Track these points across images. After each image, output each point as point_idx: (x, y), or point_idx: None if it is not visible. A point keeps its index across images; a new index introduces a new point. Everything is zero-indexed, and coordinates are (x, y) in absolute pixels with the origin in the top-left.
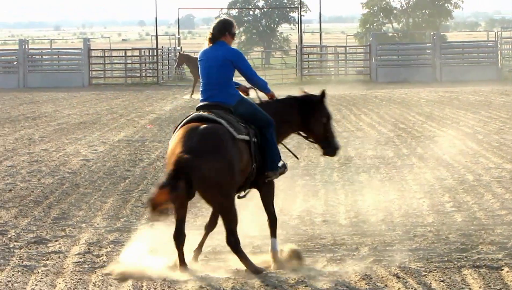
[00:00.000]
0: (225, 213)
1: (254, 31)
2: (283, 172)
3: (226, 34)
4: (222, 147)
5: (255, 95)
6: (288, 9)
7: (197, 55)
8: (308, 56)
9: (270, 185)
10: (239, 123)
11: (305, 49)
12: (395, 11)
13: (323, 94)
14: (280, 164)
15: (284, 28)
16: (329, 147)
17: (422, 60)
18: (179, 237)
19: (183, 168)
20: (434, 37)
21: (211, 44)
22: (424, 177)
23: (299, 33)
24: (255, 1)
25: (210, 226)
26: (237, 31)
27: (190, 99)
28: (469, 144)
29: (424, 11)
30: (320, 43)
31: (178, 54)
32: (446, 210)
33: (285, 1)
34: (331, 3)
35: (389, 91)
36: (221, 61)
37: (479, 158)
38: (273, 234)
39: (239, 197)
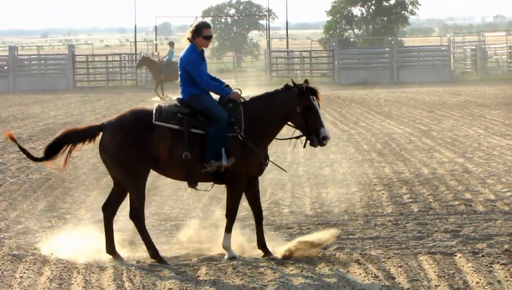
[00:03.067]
0: (129, 189)
1: (226, 37)
2: (219, 165)
3: (198, 37)
4: (125, 125)
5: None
6: (257, 16)
7: (161, 60)
8: (276, 60)
9: (235, 181)
10: (174, 115)
11: (273, 53)
12: (356, 19)
13: (293, 83)
14: (224, 159)
15: (254, 35)
16: (311, 137)
17: (381, 64)
18: (105, 209)
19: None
20: (392, 42)
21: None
22: (383, 171)
23: (268, 39)
24: (226, 10)
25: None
26: (213, 34)
27: (164, 97)
28: (425, 140)
29: (383, 18)
30: (287, 48)
31: (141, 57)
32: (404, 201)
33: (255, 9)
34: (297, 11)
35: (350, 92)
36: (181, 64)
37: (433, 153)
38: (227, 228)
39: (196, 189)
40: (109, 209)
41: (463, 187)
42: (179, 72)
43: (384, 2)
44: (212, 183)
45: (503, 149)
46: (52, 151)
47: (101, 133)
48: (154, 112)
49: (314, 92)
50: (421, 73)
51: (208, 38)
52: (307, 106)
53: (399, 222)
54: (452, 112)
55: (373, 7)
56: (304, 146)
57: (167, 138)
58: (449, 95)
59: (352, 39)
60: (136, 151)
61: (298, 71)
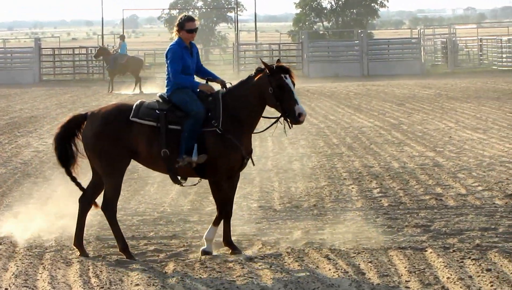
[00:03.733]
0: (105, 180)
1: None
2: (191, 161)
3: (181, 31)
4: (106, 116)
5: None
6: (225, 9)
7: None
8: (245, 53)
9: (214, 175)
10: (152, 111)
11: (241, 46)
12: (325, 11)
13: (264, 64)
14: (194, 155)
15: (222, 27)
16: (289, 116)
17: (351, 56)
18: (81, 201)
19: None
20: (362, 35)
21: None
22: (353, 165)
23: (236, 32)
24: (194, 2)
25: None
26: (196, 26)
27: (133, 93)
28: (395, 134)
29: (352, 10)
30: (256, 41)
31: (99, 47)
32: (374, 195)
33: (223, 1)
34: (266, 3)
35: (320, 85)
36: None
37: (403, 147)
38: (215, 221)
39: (181, 185)
40: (85, 201)
41: (433, 181)
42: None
43: None
44: (200, 178)
45: (474, 143)
46: (65, 159)
47: (85, 122)
48: (133, 107)
49: (285, 70)
50: (392, 66)
51: (191, 31)
52: (278, 85)
53: (369, 217)
54: (422, 106)
55: None
56: (290, 127)
57: (145, 135)
58: (420, 88)
59: (321, 32)
60: (114, 143)
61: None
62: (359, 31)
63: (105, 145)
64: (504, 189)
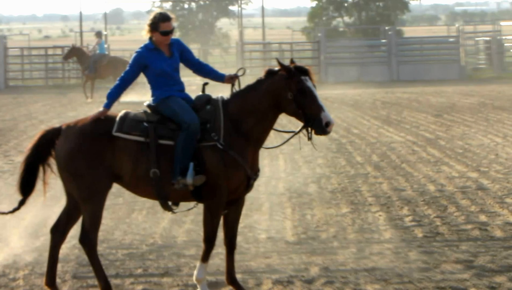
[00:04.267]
0: (82, 207)
1: (190, 26)
2: (186, 184)
3: (154, 32)
4: (83, 131)
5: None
6: (227, 1)
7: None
8: (250, 54)
9: (212, 198)
10: (139, 124)
11: (246, 46)
12: (346, 4)
13: (279, 63)
14: (188, 176)
15: (223, 23)
16: (314, 125)
17: (377, 58)
18: (54, 232)
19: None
20: (390, 33)
21: None
22: (380, 188)
23: (240, 29)
24: None
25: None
26: (173, 27)
27: (88, 99)
28: (430, 150)
29: (378, 3)
30: (263, 40)
31: (72, 46)
32: (405, 224)
33: None
34: None
35: (340, 92)
36: None
37: (441, 166)
38: (203, 256)
39: (172, 212)
40: (58, 233)
41: (477, 208)
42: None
43: None
44: (196, 202)
45: None
46: (28, 188)
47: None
48: (117, 120)
49: (304, 71)
50: (425, 69)
51: (166, 33)
52: (300, 89)
53: (399, 250)
54: (463, 117)
55: None
56: (310, 138)
57: (130, 152)
58: (460, 96)
59: (341, 29)
60: (93, 163)
61: (276, 68)
62: (386, 28)
63: (82, 165)
64: None
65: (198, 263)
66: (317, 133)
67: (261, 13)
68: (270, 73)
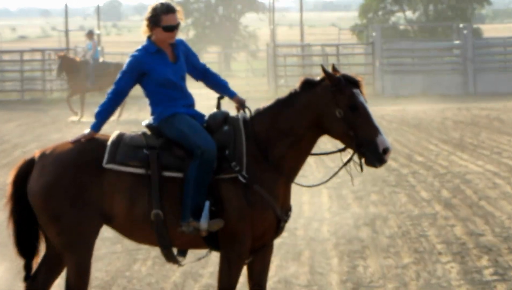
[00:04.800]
0: (65, 256)
1: (208, 23)
2: (199, 228)
3: (155, 28)
4: (63, 160)
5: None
6: None
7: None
8: (285, 59)
9: (232, 245)
10: (138, 151)
11: (280, 49)
12: None
13: (325, 71)
14: (203, 219)
15: (250, 20)
16: (368, 151)
17: (448, 65)
18: (31, 284)
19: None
20: (465, 32)
21: None
22: (452, 232)
23: (271, 26)
24: None
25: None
26: (178, 21)
27: (79, 116)
28: None
29: None
30: (302, 41)
31: (58, 57)
32: (485, 278)
33: None
34: None
35: (401, 109)
36: None
37: None
38: None
39: (178, 264)
40: (36, 285)
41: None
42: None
43: None
44: (209, 249)
45: None
46: (29, 246)
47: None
48: (108, 146)
49: (355, 82)
50: (510, 79)
51: (170, 29)
52: (351, 105)
53: None
54: None
55: None
56: (362, 169)
57: (124, 186)
58: None
59: (402, 27)
60: (74, 201)
61: (317, 77)
62: (461, 26)
63: (62, 204)
64: None
65: None
66: (369, 162)
67: (298, 7)
68: (308, 84)
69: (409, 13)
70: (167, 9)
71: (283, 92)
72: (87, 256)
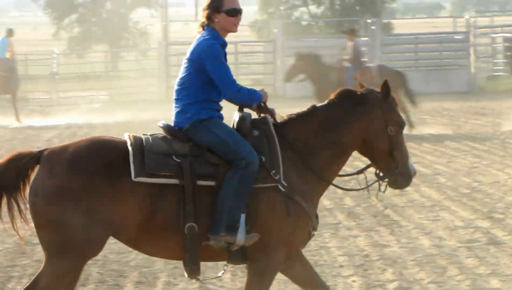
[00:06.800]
0: (48, 261)
1: (94, 20)
2: (232, 242)
3: (216, 14)
4: (77, 161)
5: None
6: None
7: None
8: (178, 59)
9: (264, 259)
10: (168, 159)
11: (173, 47)
12: None
13: (387, 87)
14: (240, 233)
15: (141, 16)
16: (398, 173)
17: None
18: None
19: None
20: (373, 27)
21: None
22: (354, 243)
23: (164, 23)
24: None
25: None
26: (239, 6)
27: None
28: (425, 191)
29: None
30: None
31: None
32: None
33: None
34: None
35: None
36: (194, 58)
37: (439, 212)
38: None
39: (198, 279)
40: None
41: (487, 269)
42: (183, 76)
43: None
44: (226, 262)
45: None
46: None
47: (35, 167)
48: (131, 155)
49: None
50: (422, 78)
51: (235, 12)
52: (401, 125)
53: None
54: (471, 144)
55: None
56: (384, 191)
57: (144, 195)
58: (467, 116)
59: (306, 23)
60: (84, 209)
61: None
62: (369, 21)
63: (67, 210)
64: None
65: None
66: (399, 184)
67: (194, 2)
68: (350, 95)
69: (313, 8)
70: None
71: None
72: (78, 268)
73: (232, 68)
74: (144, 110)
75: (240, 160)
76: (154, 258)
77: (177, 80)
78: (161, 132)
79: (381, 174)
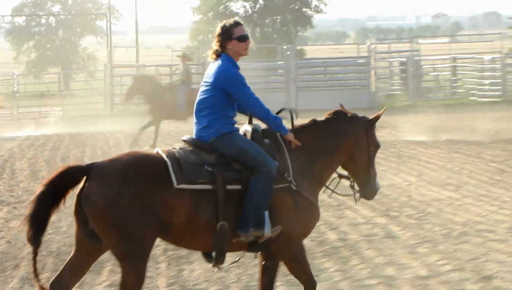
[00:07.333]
0: (123, 265)
1: (49, 46)
2: (261, 236)
3: (229, 41)
4: (126, 172)
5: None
6: (93, 16)
7: None
8: (121, 79)
9: (288, 249)
10: (201, 169)
11: (117, 69)
12: (237, 18)
13: (378, 115)
14: (266, 228)
15: (89, 42)
16: (370, 186)
17: (273, 83)
18: (54, 287)
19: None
20: (288, 53)
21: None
22: None
23: (109, 49)
24: (49, 6)
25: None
26: (246, 32)
27: None
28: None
29: (275, 17)
30: (137, 62)
31: None
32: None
33: (90, 5)
34: (151, 8)
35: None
36: (216, 83)
37: (344, 210)
38: None
39: (219, 267)
40: (59, 287)
41: (384, 259)
42: (206, 97)
43: None
44: (242, 252)
45: (442, 205)
46: (40, 231)
47: (84, 179)
48: (169, 166)
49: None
50: (330, 96)
51: (244, 38)
52: (377, 146)
53: None
54: None
55: (261, 2)
56: (358, 201)
57: (186, 199)
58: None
59: None
60: (138, 212)
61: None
62: (285, 47)
63: (124, 214)
64: (480, 268)
65: None
66: (369, 196)
67: (134, 30)
68: (343, 115)
69: None
70: (235, 23)
71: (118, 110)
72: (145, 265)
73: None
74: (92, 124)
75: (263, 167)
76: None
77: (198, 100)
78: (179, 145)
79: (355, 185)
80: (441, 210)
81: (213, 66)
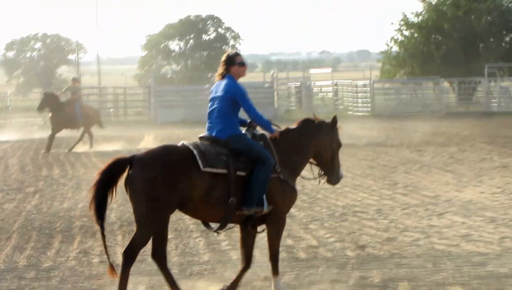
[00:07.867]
0: (141, 228)
1: (33, 72)
2: (259, 211)
3: (232, 66)
4: (160, 160)
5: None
6: (66, 51)
7: None
8: (88, 97)
9: (278, 223)
10: (219, 157)
11: (84, 90)
12: (173, 54)
13: (335, 120)
14: (265, 206)
15: (63, 70)
16: (334, 175)
17: (201, 101)
18: (155, 256)
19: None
20: (212, 79)
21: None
22: None
23: (77, 75)
24: (32, 44)
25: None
26: (244, 60)
27: None
28: None
29: (202, 53)
30: (99, 84)
31: None
32: (222, 248)
33: (63, 43)
34: (111, 45)
35: (169, 132)
36: (227, 95)
37: None
38: (275, 271)
39: (217, 233)
40: (159, 255)
41: (285, 233)
42: (218, 106)
43: (204, 36)
44: (236, 224)
45: (327, 193)
46: (103, 211)
47: (128, 167)
48: (196, 155)
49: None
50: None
51: (243, 64)
52: (338, 144)
53: (216, 271)
54: None
55: (191, 41)
56: (319, 183)
57: (205, 180)
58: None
59: (169, 76)
60: (166, 190)
61: (111, 109)
62: (209, 74)
63: (160, 190)
64: (356, 240)
65: (272, 279)
66: (333, 182)
67: (95, 60)
68: (310, 121)
69: (174, 66)
70: (236, 53)
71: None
72: (156, 229)
73: (122, 104)
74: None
75: (265, 159)
76: (72, 224)
77: (211, 108)
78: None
79: (322, 173)
80: (327, 197)
81: (220, 84)
